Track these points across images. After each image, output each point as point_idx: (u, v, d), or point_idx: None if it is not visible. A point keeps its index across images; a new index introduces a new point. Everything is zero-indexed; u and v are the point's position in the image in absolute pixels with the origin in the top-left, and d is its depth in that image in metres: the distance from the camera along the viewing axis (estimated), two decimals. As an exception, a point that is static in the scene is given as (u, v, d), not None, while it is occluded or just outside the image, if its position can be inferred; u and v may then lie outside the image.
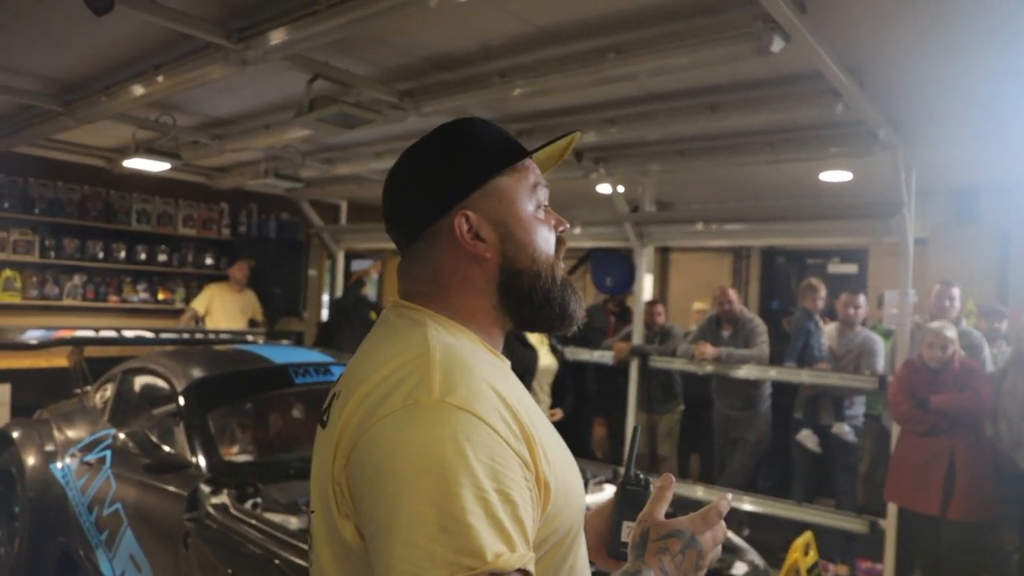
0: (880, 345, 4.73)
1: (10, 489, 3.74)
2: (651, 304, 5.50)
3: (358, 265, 7.85)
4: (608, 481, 3.29)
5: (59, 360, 4.70)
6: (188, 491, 2.72)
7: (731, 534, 3.21)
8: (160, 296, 6.92)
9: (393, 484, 0.78)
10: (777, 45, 2.62)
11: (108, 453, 3.29)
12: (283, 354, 3.75)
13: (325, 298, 8.23)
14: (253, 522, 2.51)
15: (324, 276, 8.24)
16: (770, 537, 4.45)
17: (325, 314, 8.07)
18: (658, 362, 5.27)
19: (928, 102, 3.65)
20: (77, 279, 6.38)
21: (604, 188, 5.76)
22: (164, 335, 4.93)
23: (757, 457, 5.12)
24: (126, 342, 4.66)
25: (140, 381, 3.64)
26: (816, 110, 3.44)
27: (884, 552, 4.08)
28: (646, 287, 5.45)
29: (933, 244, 5.57)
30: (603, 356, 5.54)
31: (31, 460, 3.62)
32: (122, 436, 3.32)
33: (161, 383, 3.38)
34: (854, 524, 4.28)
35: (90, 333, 4.59)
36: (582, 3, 2.79)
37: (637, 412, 5.35)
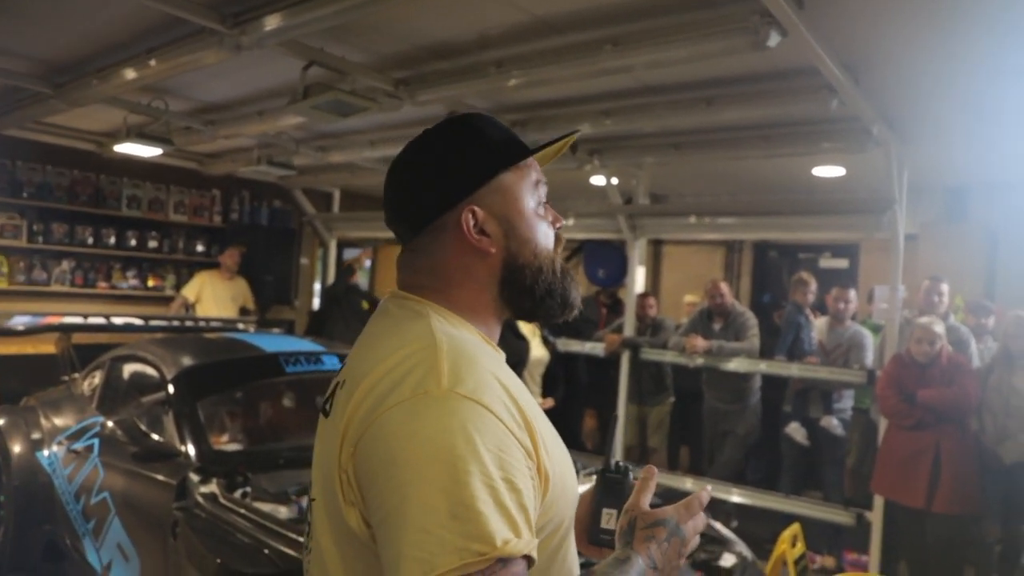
0: (869, 340, 4.77)
1: (-3, 476, 3.72)
2: (643, 296, 5.51)
3: (350, 254, 7.82)
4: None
5: (47, 347, 4.66)
6: (177, 480, 2.71)
7: (719, 525, 3.26)
8: (150, 283, 6.87)
9: (404, 472, 0.80)
10: (774, 40, 2.62)
11: (96, 441, 3.28)
12: (274, 342, 3.74)
13: (317, 286, 8.20)
14: (242, 511, 2.51)
15: (316, 264, 8.21)
16: (758, 529, 4.49)
17: (317, 303, 8.05)
18: (649, 354, 5.29)
19: (922, 100, 3.66)
20: (66, 264, 6.33)
21: (598, 180, 5.75)
22: (154, 322, 4.90)
23: (746, 449, 5.16)
24: (115, 329, 4.63)
25: (129, 369, 3.62)
26: (811, 105, 3.45)
27: (870, 544, 4.12)
28: (638, 279, 5.47)
29: (923, 241, 5.61)
30: (594, 348, 5.55)
31: (17, 448, 3.60)
32: (110, 424, 3.30)
33: (150, 371, 3.36)
34: (841, 516, 4.33)
35: (78, 320, 4.56)
36: (579, -6, 2.78)
37: (627, 404, 5.37)
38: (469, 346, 0.92)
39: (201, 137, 5.12)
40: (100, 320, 4.66)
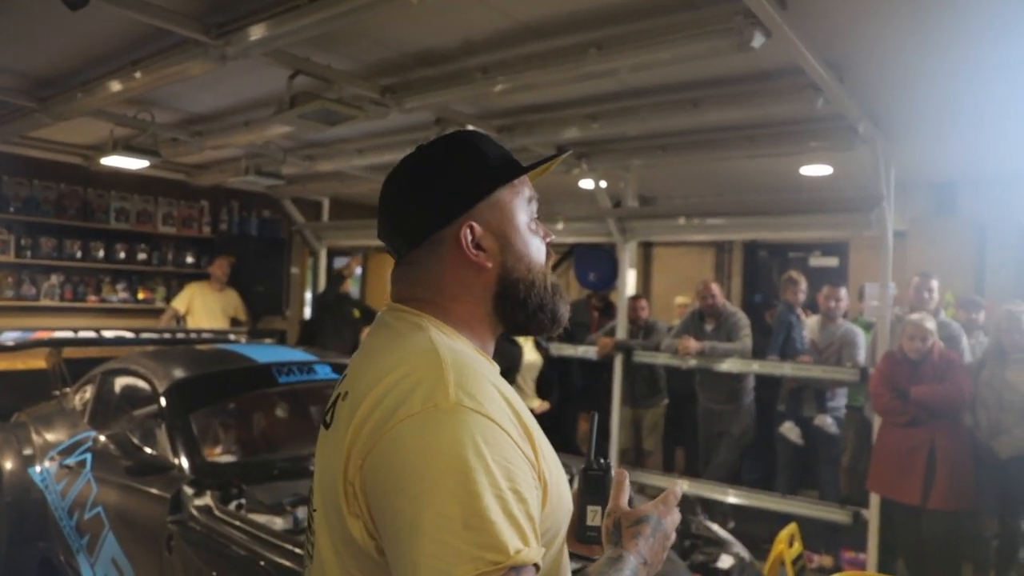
0: (861, 337, 4.78)
1: (-12, 494, 3.68)
2: (634, 299, 5.51)
3: (341, 262, 7.81)
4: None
5: (37, 362, 4.62)
6: (171, 493, 2.69)
7: (716, 527, 3.26)
8: (140, 296, 6.84)
9: (419, 484, 0.82)
10: (758, 40, 2.63)
11: (88, 456, 3.25)
12: (266, 353, 3.72)
13: (308, 296, 8.18)
14: (237, 523, 2.49)
15: (307, 274, 8.19)
16: (755, 529, 4.49)
17: (308, 312, 8.03)
18: (642, 357, 5.29)
19: (907, 97, 3.69)
20: (55, 279, 6.29)
21: (587, 184, 5.76)
22: (144, 335, 4.87)
23: (741, 450, 5.16)
24: (106, 343, 4.60)
25: (120, 382, 3.59)
26: (796, 105, 3.46)
27: (867, 542, 4.13)
28: (629, 282, 5.47)
29: (912, 237, 5.64)
30: (587, 351, 5.55)
31: (9, 464, 3.57)
32: (103, 438, 3.27)
33: (142, 384, 3.33)
34: (838, 515, 4.33)
35: (69, 334, 4.53)
36: (564, -2, 2.79)
37: (621, 407, 5.37)
38: (469, 359, 0.95)
39: (188, 148, 5.10)
40: (90, 334, 4.63)
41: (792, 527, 3.59)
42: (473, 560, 0.78)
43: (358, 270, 8.53)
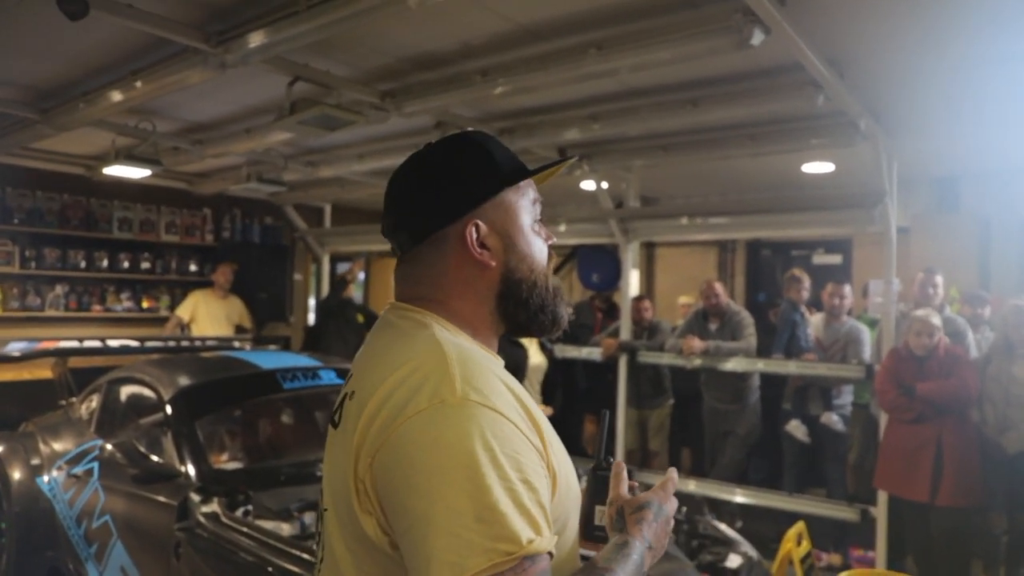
0: (866, 334, 4.77)
1: (-4, 504, 3.69)
2: (638, 300, 5.51)
3: (343, 268, 7.82)
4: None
5: (43, 372, 4.64)
6: (178, 500, 2.70)
7: (724, 526, 3.26)
8: (144, 304, 6.85)
9: (429, 479, 0.83)
10: (757, 38, 2.63)
11: (95, 465, 3.26)
12: (271, 359, 3.73)
13: (311, 302, 8.18)
14: (245, 530, 2.50)
15: (310, 280, 8.20)
16: (763, 528, 4.48)
17: (312, 318, 8.03)
18: (646, 357, 5.28)
19: (908, 92, 3.68)
20: (59, 289, 6.31)
21: (588, 185, 5.77)
22: (149, 344, 4.88)
23: (747, 449, 5.15)
24: (111, 352, 4.62)
25: (126, 391, 3.60)
26: (797, 102, 3.46)
27: (876, 540, 4.11)
28: (632, 283, 5.46)
29: (915, 233, 5.62)
30: (591, 353, 5.55)
31: (17, 474, 3.58)
32: (109, 447, 3.28)
33: (148, 392, 3.34)
34: (845, 513, 4.32)
35: (74, 343, 4.55)
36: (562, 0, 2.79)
37: (627, 408, 5.37)
38: (475, 354, 0.96)
39: (190, 157, 5.12)
40: (96, 343, 4.65)
41: (800, 526, 3.58)
42: (486, 552, 0.79)
43: (361, 275, 8.53)
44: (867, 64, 3.25)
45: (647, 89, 3.73)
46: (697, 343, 4.91)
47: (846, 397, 4.81)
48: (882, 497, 4.07)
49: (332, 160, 5.47)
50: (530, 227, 1.07)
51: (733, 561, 2.92)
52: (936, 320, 3.84)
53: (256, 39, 2.89)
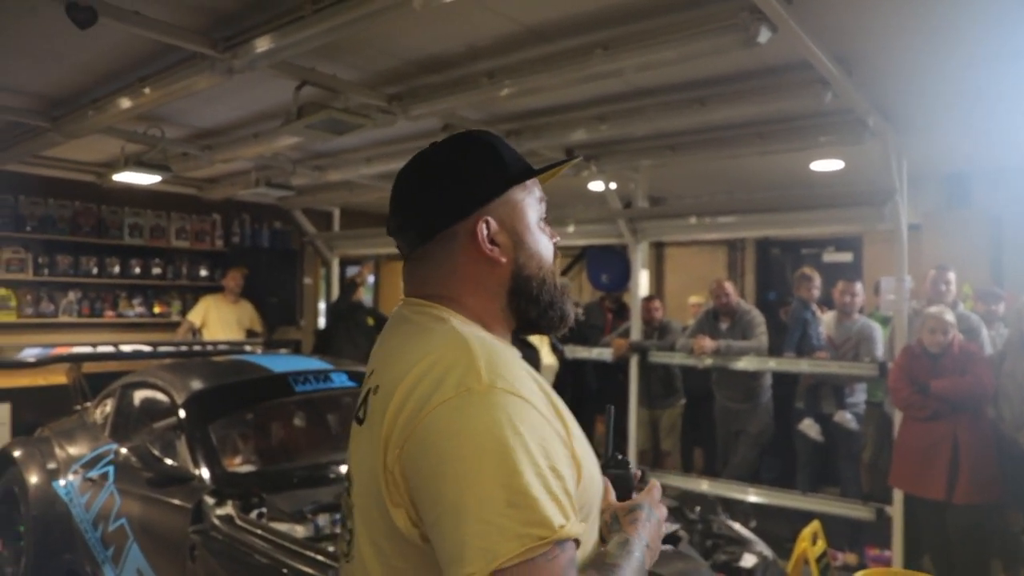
0: (878, 332, 4.74)
1: (14, 508, 3.72)
2: (648, 300, 5.50)
3: (353, 271, 7.85)
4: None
5: (58, 377, 4.68)
6: (192, 503, 2.72)
7: (738, 526, 3.24)
8: (156, 310, 6.89)
9: (459, 467, 0.83)
10: (764, 36, 2.63)
11: (111, 468, 3.28)
12: (282, 363, 3.75)
13: (321, 306, 8.22)
14: (259, 532, 2.51)
15: (319, 283, 8.23)
16: (777, 528, 4.45)
17: (322, 322, 8.07)
18: (657, 357, 5.27)
19: (916, 88, 3.66)
20: (72, 295, 6.35)
21: (596, 185, 5.76)
22: (162, 348, 4.92)
23: (760, 448, 5.13)
24: (124, 357, 4.65)
25: (140, 395, 3.63)
26: (805, 100, 3.44)
27: (892, 539, 4.08)
28: (642, 283, 5.45)
29: (927, 230, 5.58)
30: (602, 353, 5.54)
31: (34, 479, 3.61)
32: (124, 451, 3.31)
33: (161, 396, 3.37)
34: (860, 512, 4.29)
35: (88, 349, 4.58)
36: (567, 1, 2.79)
37: (638, 408, 5.35)
38: (496, 343, 0.97)
39: (199, 162, 5.15)
40: (109, 349, 4.68)
41: (815, 525, 3.56)
42: (519, 537, 0.80)
43: (370, 278, 8.57)
44: (875, 61, 3.23)
45: (654, 89, 3.72)
46: (708, 342, 4.89)
47: (859, 395, 4.79)
48: (897, 496, 4.04)
49: (340, 164, 5.49)
50: (537, 224, 1.08)
51: (748, 560, 2.91)
52: (950, 317, 3.81)
53: (263, 44, 2.91)
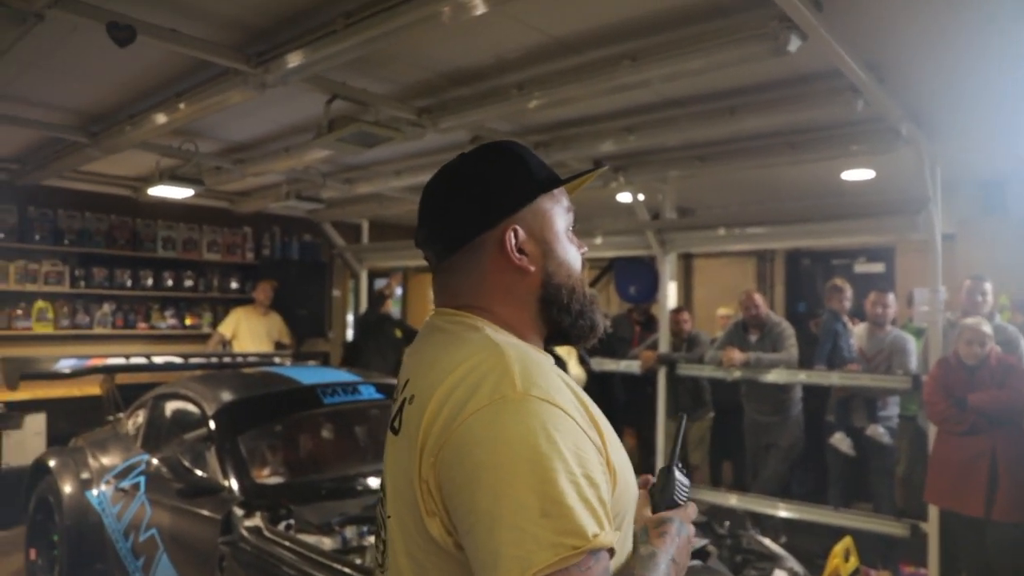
0: (912, 344, 4.65)
1: (48, 517, 3.79)
2: (676, 312, 5.45)
3: (381, 283, 7.90)
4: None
5: (92, 388, 4.77)
6: (222, 515, 2.74)
7: (768, 541, 3.18)
8: (187, 321, 7.00)
9: (493, 475, 0.83)
10: (794, 44, 2.60)
11: (142, 479, 3.32)
12: (311, 375, 3.78)
13: (350, 318, 8.28)
14: (287, 544, 2.52)
15: (348, 296, 8.30)
16: (808, 544, 4.36)
17: (350, 334, 8.12)
18: (686, 369, 5.22)
19: (949, 95, 3.60)
20: (107, 307, 6.47)
21: (624, 197, 5.74)
22: (193, 360, 4.98)
23: (790, 462, 5.04)
24: (156, 368, 4.72)
25: (171, 406, 3.68)
26: (836, 108, 3.41)
27: (927, 556, 3.98)
28: (670, 295, 5.41)
29: (961, 239, 5.47)
30: (629, 366, 5.50)
31: (68, 488, 3.67)
32: (155, 462, 3.35)
33: (192, 408, 3.41)
34: (894, 528, 4.20)
35: (121, 360, 4.66)
36: (596, 12, 2.79)
37: (666, 421, 5.30)
38: (531, 351, 0.97)
39: (231, 176, 5.23)
40: (141, 360, 4.76)
41: (847, 541, 3.49)
42: (553, 546, 0.79)
43: (398, 290, 8.61)
44: (907, 67, 3.19)
45: (683, 99, 3.71)
46: (737, 355, 4.83)
47: (892, 409, 4.69)
48: (933, 512, 3.94)
49: (369, 177, 5.54)
50: (565, 233, 1.08)
51: (779, 576, 2.85)
52: (987, 328, 3.73)
53: (295, 59, 2.95)
